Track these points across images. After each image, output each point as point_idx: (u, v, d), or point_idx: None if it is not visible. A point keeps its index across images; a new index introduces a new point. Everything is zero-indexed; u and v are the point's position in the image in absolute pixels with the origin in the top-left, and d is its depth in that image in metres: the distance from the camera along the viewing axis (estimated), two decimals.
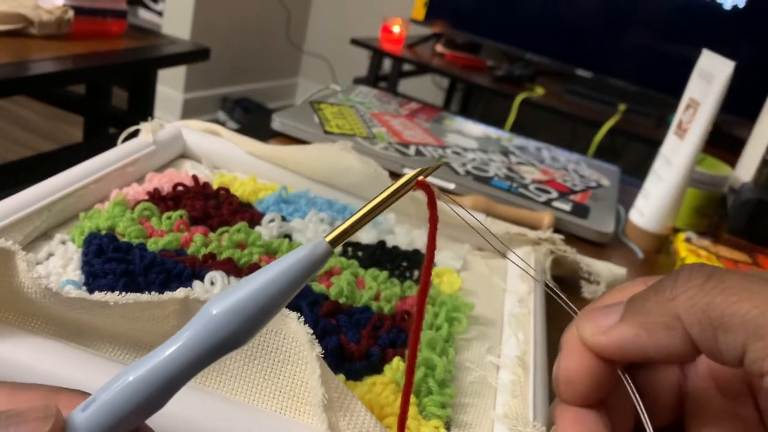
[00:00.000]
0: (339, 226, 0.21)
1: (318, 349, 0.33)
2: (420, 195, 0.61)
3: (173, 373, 0.19)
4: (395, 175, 0.69)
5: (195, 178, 0.57)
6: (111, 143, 0.57)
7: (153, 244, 0.46)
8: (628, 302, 0.19)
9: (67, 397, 0.19)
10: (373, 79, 2.12)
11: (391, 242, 0.55)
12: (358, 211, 0.21)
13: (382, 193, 0.22)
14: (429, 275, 0.26)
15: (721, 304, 0.17)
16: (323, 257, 0.20)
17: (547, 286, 0.47)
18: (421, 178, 0.22)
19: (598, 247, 0.70)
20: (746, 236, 0.70)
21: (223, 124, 0.65)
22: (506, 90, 1.92)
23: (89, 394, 0.19)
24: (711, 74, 0.65)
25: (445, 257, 0.56)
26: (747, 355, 0.16)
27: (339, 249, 0.52)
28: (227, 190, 0.56)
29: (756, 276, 0.17)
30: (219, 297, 0.19)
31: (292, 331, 0.33)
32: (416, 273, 0.52)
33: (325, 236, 0.21)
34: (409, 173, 0.22)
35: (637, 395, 0.20)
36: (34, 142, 2.13)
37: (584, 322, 0.20)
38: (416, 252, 0.55)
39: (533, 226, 0.65)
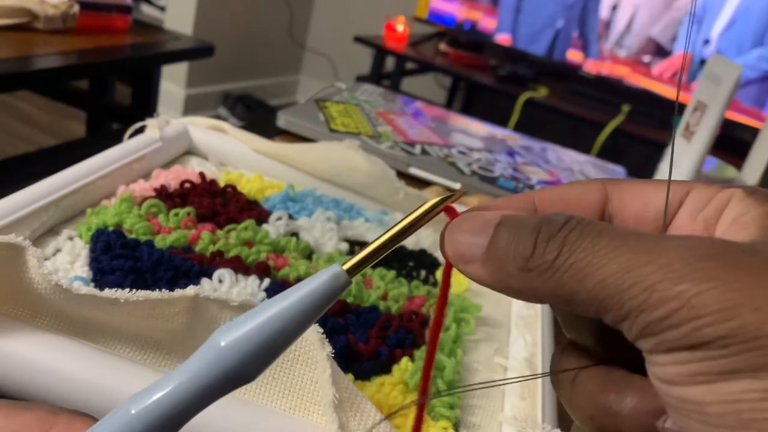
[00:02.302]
0: (358, 254, 0.20)
1: (328, 348, 0.33)
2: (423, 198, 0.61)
3: (178, 409, 0.17)
4: (401, 175, 0.69)
5: (202, 175, 0.56)
6: (114, 138, 0.57)
7: (161, 241, 0.46)
8: (495, 237, 0.18)
9: (66, 420, 0.18)
10: (375, 77, 2.12)
11: None
12: (379, 237, 0.20)
13: (404, 219, 0.20)
14: (444, 305, 0.24)
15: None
16: (341, 287, 0.19)
17: None
18: (449, 202, 0.21)
19: None
20: None
21: (224, 120, 0.65)
22: (509, 90, 1.92)
23: (88, 416, 0.19)
24: (719, 77, 0.65)
25: None
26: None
27: (345, 247, 0.52)
28: (234, 188, 0.56)
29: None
30: (228, 327, 0.18)
31: None
32: (423, 273, 0.52)
33: (343, 264, 0.19)
34: (432, 200, 0.21)
35: None
36: (36, 136, 2.13)
37: (454, 233, 0.19)
38: (423, 252, 0.55)
39: None
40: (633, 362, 0.18)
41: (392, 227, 0.20)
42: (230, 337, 0.18)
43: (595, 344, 0.20)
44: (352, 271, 0.19)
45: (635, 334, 0.16)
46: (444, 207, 0.21)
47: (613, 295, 0.16)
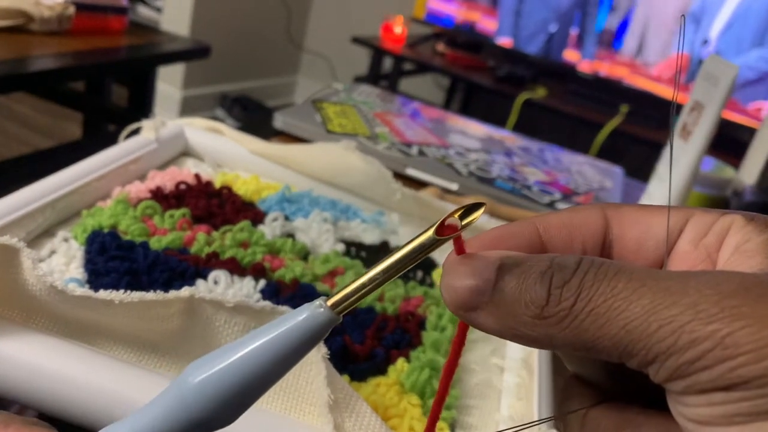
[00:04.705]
0: (344, 288, 0.17)
1: (324, 350, 0.32)
2: (425, 198, 0.60)
3: None
4: (398, 176, 0.69)
5: (198, 176, 0.56)
6: (110, 140, 0.57)
7: (156, 243, 0.45)
8: (500, 282, 0.17)
9: (15, 429, 0.18)
10: (373, 77, 2.12)
11: (394, 242, 0.55)
12: (370, 270, 0.17)
13: (399, 250, 0.17)
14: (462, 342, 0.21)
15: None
16: (325, 326, 0.17)
17: None
18: (452, 238, 0.17)
19: None
20: None
21: (221, 121, 0.65)
22: (508, 90, 1.92)
23: (41, 424, 0.18)
24: (716, 77, 0.65)
25: None
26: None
27: (342, 248, 0.52)
28: (230, 189, 0.56)
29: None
30: (198, 364, 0.17)
31: None
32: (420, 274, 0.52)
33: (327, 300, 0.17)
34: (429, 232, 0.17)
35: None
36: (32, 138, 2.12)
37: (452, 279, 0.18)
38: None
39: None
40: (646, 395, 0.18)
41: (384, 260, 0.17)
42: (200, 377, 0.16)
43: (604, 378, 0.19)
44: (338, 307, 0.17)
45: (664, 377, 0.15)
46: (453, 236, 0.18)
47: (638, 339, 0.15)
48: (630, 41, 1.94)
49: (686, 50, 1.88)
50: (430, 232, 0.17)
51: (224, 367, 0.16)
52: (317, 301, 0.17)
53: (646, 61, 1.93)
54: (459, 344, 0.20)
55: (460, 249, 0.18)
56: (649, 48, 1.93)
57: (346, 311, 0.17)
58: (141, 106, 1.29)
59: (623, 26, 1.95)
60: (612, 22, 1.96)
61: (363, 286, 0.17)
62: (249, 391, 0.16)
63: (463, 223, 0.17)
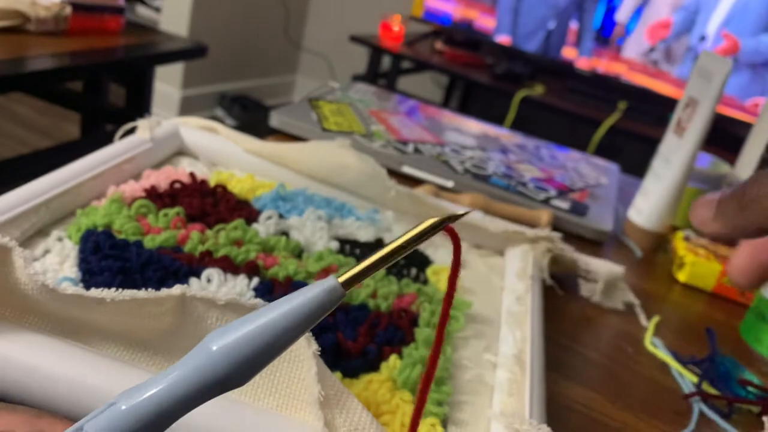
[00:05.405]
0: (355, 268, 0.20)
1: (315, 346, 0.33)
2: (420, 194, 0.61)
3: (167, 408, 0.18)
4: (394, 173, 0.69)
5: (192, 175, 0.56)
6: (108, 140, 0.57)
7: (150, 242, 0.46)
8: (718, 204, 0.28)
9: (48, 422, 0.19)
10: (372, 76, 2.12)
11: (388, 240, 0.55)
12: (377, 252, 0.20)
13: (403, 235, 0.20)
14: (448, 312, 0.24)
15: None
16: (335, 300, 0.19)
17: None
18: (450, 223, 0.21)
19: (596, 245, 0.70)
20: None
21: (221, 121, 0.65)
22: (506, 88, 1.92)
23: (68, 420, 0.19)
24: (710, 72, 0.65)
25: (442, 255, 0.56)
26: None
27: (336, 246, 0.52)
28: (224, 188, 0.56)
29: None
30: (220, 332, 0.19)
31: None
32: (413, 271, 0.52)
33: (338, 276, 0.19)
34: (431, 220, 0.21)
35: None
36: (30, 138, 2.13)
37: (695, 210, 0.29)
38: (414, 251, 0.54)
39: (532, 224, 0.65)
40: None
41: (391, 242, 0.20)
42: (221, 343, 0.18)
43: None
44: (348, 284, 0.19)
45: None
46: (446, 228, 0.21)
47: None
48: (636, 40, 1.94)
49: (686, 48, 1.88)
50: (427, 224, 0.20)
51: (245, 335, 0.18)
52: (330, 278, 0.19)
53: (654, 59, 1.92)
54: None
55: (454, 240, 0.23)
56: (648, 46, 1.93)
57: (352, 287, 0.20)
58: (139, 106, 1.30)
59: (627, 25, 1.95)
60: (619, 18, 1.96)
61: (369, 267, 0.20)
62: (265, 356, 0.19)
63: (458, 213, 0.21)
